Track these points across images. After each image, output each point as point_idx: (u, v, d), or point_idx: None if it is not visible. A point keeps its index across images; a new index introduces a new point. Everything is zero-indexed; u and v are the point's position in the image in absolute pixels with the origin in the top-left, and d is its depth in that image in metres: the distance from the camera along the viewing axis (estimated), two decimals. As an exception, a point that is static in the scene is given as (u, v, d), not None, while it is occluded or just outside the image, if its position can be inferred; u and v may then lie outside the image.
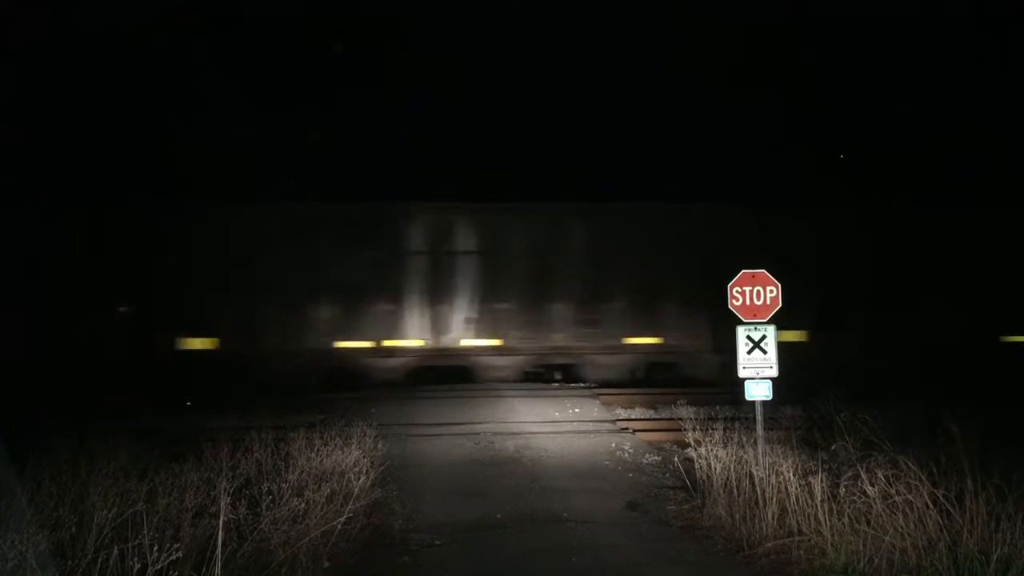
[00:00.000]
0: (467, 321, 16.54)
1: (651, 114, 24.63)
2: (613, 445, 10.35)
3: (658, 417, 12.94)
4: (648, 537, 6.39)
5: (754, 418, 7.25)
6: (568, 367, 16.84)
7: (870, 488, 5.42)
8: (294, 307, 16.12)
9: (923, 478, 5.34)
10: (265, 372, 15.31)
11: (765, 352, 7.18)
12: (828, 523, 5.49)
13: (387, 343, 16.30)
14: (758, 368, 7.18)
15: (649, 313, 16.82)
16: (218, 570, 4.39)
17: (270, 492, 5.59)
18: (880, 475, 5.49)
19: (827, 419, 8.83)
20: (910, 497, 5.23)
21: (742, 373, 7.23)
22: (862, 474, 5.61)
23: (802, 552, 5.48)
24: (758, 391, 7.19)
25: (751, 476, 6.45)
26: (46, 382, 12.92)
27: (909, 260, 16.70)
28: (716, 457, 6.96)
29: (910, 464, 5.52)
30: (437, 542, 6.25)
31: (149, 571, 3.98)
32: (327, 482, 6.32)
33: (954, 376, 12.49)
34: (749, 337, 7.23)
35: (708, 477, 6.92)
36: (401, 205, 16.86)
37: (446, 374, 16.13)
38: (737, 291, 7.32)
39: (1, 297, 14.26)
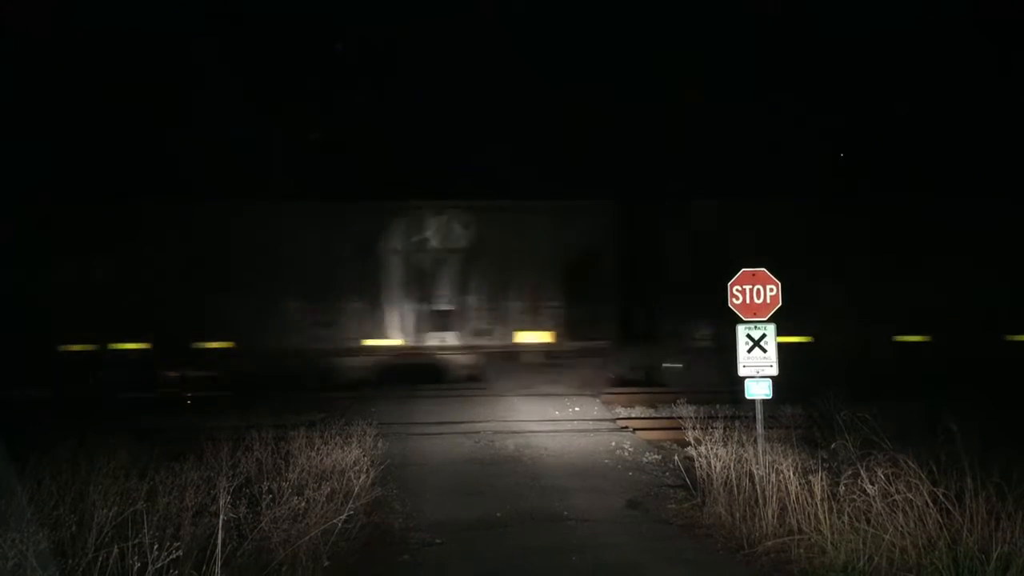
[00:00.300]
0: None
1: (651, 114, 24.65)
2: (613, 444, 10.36)
3: (658, 416, 12.98)
4: (648, 536, 6.39)
5: (754, 417, 7.26)
6: None
7: (870, 487, 5.42)
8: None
9: (923, 476, 5.34)
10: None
11: (765, 351, 7.17)
12: (828, 522, 5.48)
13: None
14: (758, 367, 7.17)
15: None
16: (218, 569, 4.39)
17: (270, 491, 5.59)
18: (880, 474, 5.49)
19: (827, 418, 8.82)
20: (910, 495, 5.23)
21: (742, 372, 7.22)
22: (862, 473, 5.61)
23: (802, 551, 5.48)
24: (758, 390, 7.18)
25: (751, 475, 6.44)
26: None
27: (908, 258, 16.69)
28: (716, 456, 6.95)
29: (910, 463, 5.52)
30: (437, 541, 6.25)
31: (149, 570, 3.99)
32: (327, 481, 6.32)
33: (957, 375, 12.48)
34: (749, 336, 7.22)
35: (708, 476, 6.92)
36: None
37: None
38: (737, 289, 7.31)
39: None
